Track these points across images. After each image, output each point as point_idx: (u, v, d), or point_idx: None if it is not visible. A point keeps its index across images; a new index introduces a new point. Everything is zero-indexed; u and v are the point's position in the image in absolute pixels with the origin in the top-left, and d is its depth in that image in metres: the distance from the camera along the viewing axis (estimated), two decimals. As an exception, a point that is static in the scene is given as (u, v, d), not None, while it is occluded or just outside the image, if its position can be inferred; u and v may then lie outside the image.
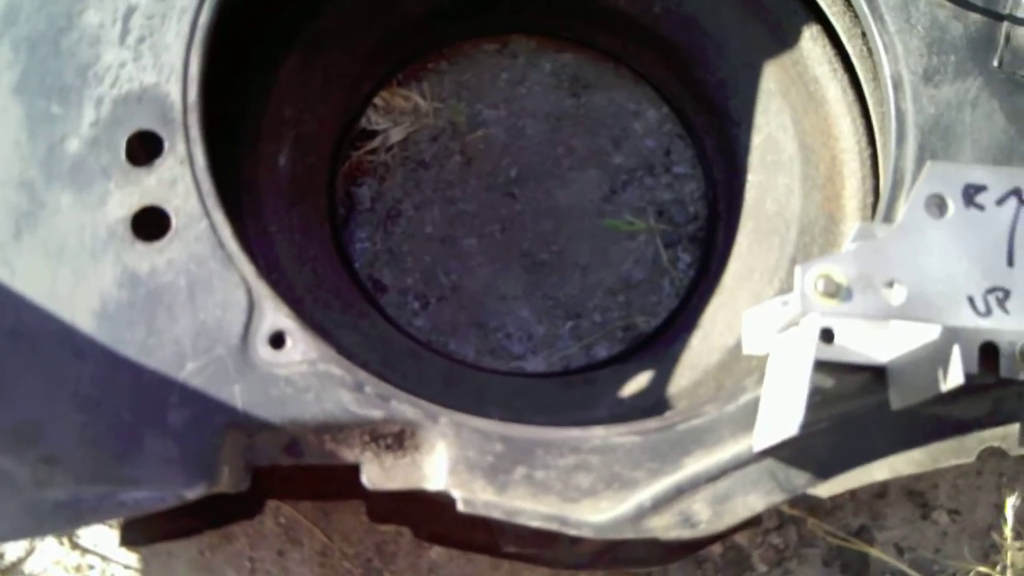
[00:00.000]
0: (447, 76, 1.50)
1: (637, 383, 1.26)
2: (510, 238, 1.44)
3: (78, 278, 1.01)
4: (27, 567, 1.30)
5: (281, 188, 1.26)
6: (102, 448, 0.97)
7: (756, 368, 1.03)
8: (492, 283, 1.43)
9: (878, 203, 1.12)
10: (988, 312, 0.89)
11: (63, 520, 1.01)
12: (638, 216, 1.44)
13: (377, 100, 1.44)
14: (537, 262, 1.44)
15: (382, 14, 1.37)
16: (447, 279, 1.43)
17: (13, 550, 1.32)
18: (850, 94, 1.23)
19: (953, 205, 0.91)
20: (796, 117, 1.27)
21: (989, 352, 0.89)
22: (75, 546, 1.31)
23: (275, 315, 1.01)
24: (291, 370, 1.00)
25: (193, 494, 1.02)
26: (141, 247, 1.02)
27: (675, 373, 1.23)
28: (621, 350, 1.35)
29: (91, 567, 1.31)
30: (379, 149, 1.45)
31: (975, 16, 1.14)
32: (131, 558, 1.33)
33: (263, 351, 1.00)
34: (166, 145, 1.03)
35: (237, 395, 0.99)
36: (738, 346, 1.18)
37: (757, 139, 1.32)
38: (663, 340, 1.31)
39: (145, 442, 0.97)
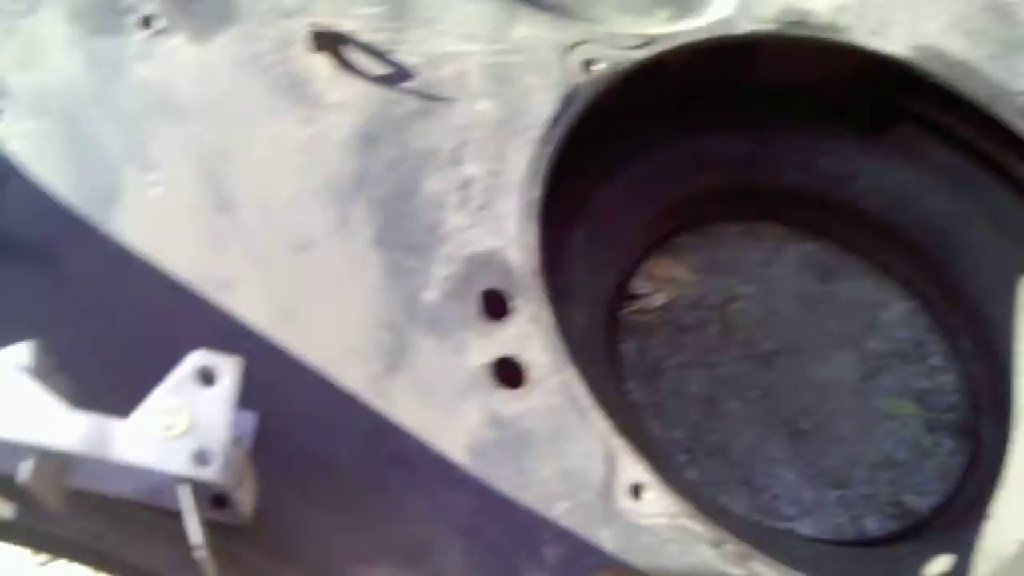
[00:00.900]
0: (702, 251, 1.98)
1: (940, 564, 1.57)
2: (771, 405, 1.85)
3: (448, 415, 1.29)
4: None
5: (576, 344, 1.48)
6: (485, 572, 1.22)
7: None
8: (757, 445, 1.82)
9: None
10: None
11: None
12: (898, 399, 1.88)
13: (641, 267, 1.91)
14: (799, 430, 1.83)
15: (659, 190, 1.83)
16: (714, 437, 1.82)
17: None
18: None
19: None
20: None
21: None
22: None
23: (633, 469, 1.29)
24: (653, 521, 1.27)
25: None
26: (502, 393, 1.31)
27: (972, 560, 1.56)
28: (895, 527, 1.72)
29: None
30: (643, 311, 1.92)
31: None
32: None
33: (624, 500, 1.28)
34: (515, 304, 1.36)
35: (605, 538, 1.26)
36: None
37: (1022, 346, 1.76)
38: (944, 523, 1.69)
39: (522, 573, 1.23)
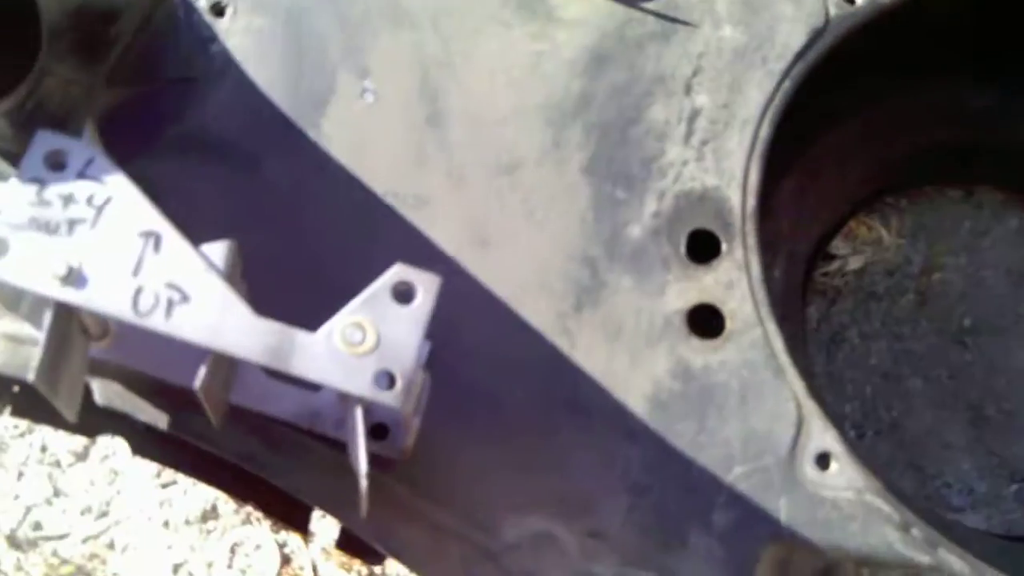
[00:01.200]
0: (908, 215, 1.95)
1: None
2: (957, 387, 1.83)
3: (634, 361, 1.32)
4: None
5: (775, 300, 1.52)
6: (647, 534, 1.26)
7: None
8: (934, 428, 1.81)
9: None
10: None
11: None
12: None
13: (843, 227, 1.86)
14: (984, 416, 1.81)
15: (882, 143, 1.81)
16: (887, 415, 1.82)
17: None
18: None
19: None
20: None
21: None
22: None
23: (822, 436, 1.30)
24: (836, 494, 1.28)
25: None
26: (696, 342, 1.34)
27: None
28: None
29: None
30: (834, 273, 1.92)
31: None
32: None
33: (809, 469, 1.29)
34: (724, 248, 1.38)
35: (782, 509, 1.27)
36: None
37: None
38: None
39: (689, 536, 1.26)
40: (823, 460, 1.33)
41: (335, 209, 1.38)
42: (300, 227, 1.38)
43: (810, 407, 1.33)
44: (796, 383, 1.34)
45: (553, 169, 1.43)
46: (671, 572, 1.27)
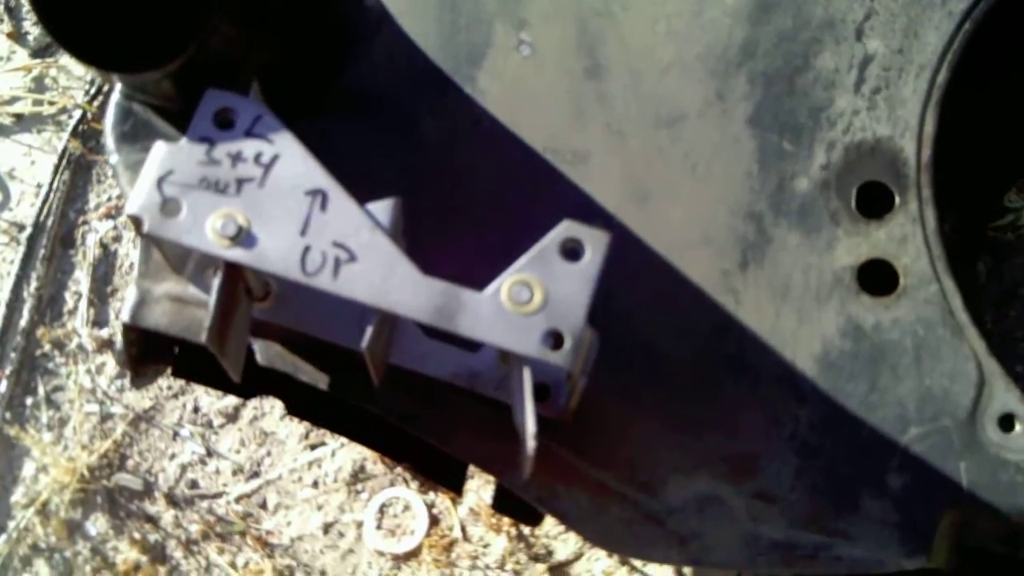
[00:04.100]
0: None
1: None
2: None
3: (801, 319, 1.35)
4: (574, 569, 1.85)
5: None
6: (817, 496, 1.29)
7: None
8: None
9: None
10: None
11: (777, 560, 1.27)
12: None
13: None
14: None
15: None
16: None
17: (563, 551, 1.88)
18: None
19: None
20: None
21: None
22: (625, 562, 1.78)
23: (1006, 396, 1.30)
24: (1020, 456, 1.29)
25: (913, 564, 1.26)
26: (866, 300, 1.35)
27: None
28: None
29: (643, 589, 1.71)
30: (1006, 227, 1.90)
31: None
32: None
33: (991, 431, 1.30)
34: (897, 201, 1.38)
35: (962, 472, 1.29)
36: None
37: None
38: None
39: (861, 500, 1.29)
40: (1007, 422, 1.34)
41: (491, 166, 1.42)
42: (455, 184, 1.42)
43: (992, 366, 1.34)
44: (976, 341, 1.35)
45: (716, 121, 1.45)
46: (842, 535, 1.30)
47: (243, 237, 1.08)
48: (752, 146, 1.45)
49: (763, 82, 1.47)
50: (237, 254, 1.08)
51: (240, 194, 1.10)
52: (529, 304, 1.11)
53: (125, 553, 2.24)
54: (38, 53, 2.63)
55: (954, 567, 1.33)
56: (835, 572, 1.30)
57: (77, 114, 2.54)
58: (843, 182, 1.44)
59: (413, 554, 2.16)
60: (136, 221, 1.10)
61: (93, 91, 2.58)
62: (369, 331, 1.13)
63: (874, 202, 1.42)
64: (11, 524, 2.29)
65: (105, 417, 2.35)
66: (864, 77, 1.46)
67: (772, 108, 1.46)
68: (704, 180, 1.43)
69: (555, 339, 1.09)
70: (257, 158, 1.11)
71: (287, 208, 1.09)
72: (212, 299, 1.09)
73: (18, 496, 2.32)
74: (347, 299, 1.08)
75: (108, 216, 2.47)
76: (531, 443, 1.10)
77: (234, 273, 1.10)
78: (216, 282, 1.10)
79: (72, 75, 2.58)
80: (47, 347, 2.39)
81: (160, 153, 1.11)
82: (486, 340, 1.10)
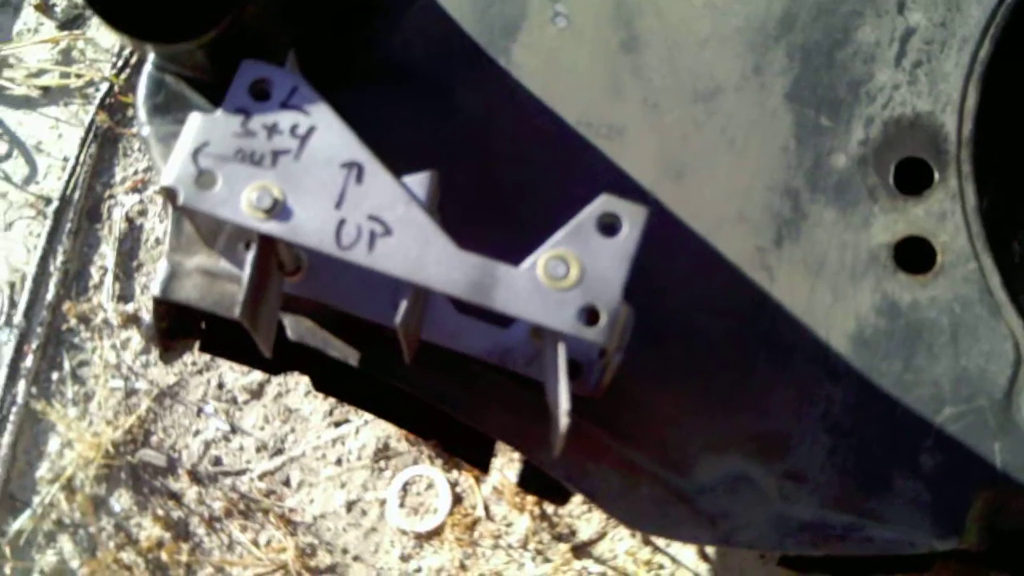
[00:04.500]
0: None
1: None
2: None
3: (836, 297, 1.34)
4: (597, 549, 1.88)
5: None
6: (848, 476, 1.29)
7: None
8: None
9: None
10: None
11: (806, 540, 1.27)
12: None
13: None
14: None
15: None
16: None
17: (586, 530, 1.90)
18: None
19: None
20: None
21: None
22: (648, 542, 1.80)
23: None
24: None
25: (944, 546, 1.25)
26: (903, 277, 1.35)
27: None
28: None
29: (661, 566, 1.76)
30: None
31: None
32: (702, 567, 1.77)
33: None
34: (936, 177, 1.38)
35: (997, 453, 1.28)
36: None
37: None
38: None
39: (893, 480, 1.28)
40: (1044, 402, 1.25)
41: (526, 139, 1.42)
42: (490, 158, 1.42)
43: None
44: (1014, 320, 1.34)
45: (753, 95, 1.44)
46: (873, 516, 1.30)
47: (278, 210, 1.08)
48: (789, 121, 1.44)
49: (801, 56, 1.46)
50: (272, 227, 1.08)
51: (275, 166, 1.10)
52: (565, 279, 1.10)
53: (148, 530, 2.25)
54: (65, 25, 2.63)
55: (986, 549, 1.31)
56: (865, 553, 1.30)
57: (104, 87, 2.54)
58: (881, 158, 1.43)
59: (436, 532, 2.17)
60: (170, 193, 1.09)
61: (120, 64, 2.58)
62: (403, 306, 1.12)
63: (912, 178, 1.42)
64: (36, 499, 2.29)
65: (130, 392, 2.36)
66: (905, 51, 1.45)
67: (810, 82, 1.45)
68: (740, 155, 1.43)
69: (590, 315, 1.09)
70: (293, 130, 1.11)
71: (322, 181, 1.09)
72: (246, 273, 1.09)
73: (43, 471, 2.33)
74: (381, 274, 1.07)
75: (134, 190, 2.47)
76: (564, 420, 1.09)
77: (268, 246, 1.10)
78: (250, 256, 1.10)
79: (99, 47, 2.58)
80: (73, 321, 2.40)
81: (195, 124, 1.11)
82: (521, 316, 1.09)
